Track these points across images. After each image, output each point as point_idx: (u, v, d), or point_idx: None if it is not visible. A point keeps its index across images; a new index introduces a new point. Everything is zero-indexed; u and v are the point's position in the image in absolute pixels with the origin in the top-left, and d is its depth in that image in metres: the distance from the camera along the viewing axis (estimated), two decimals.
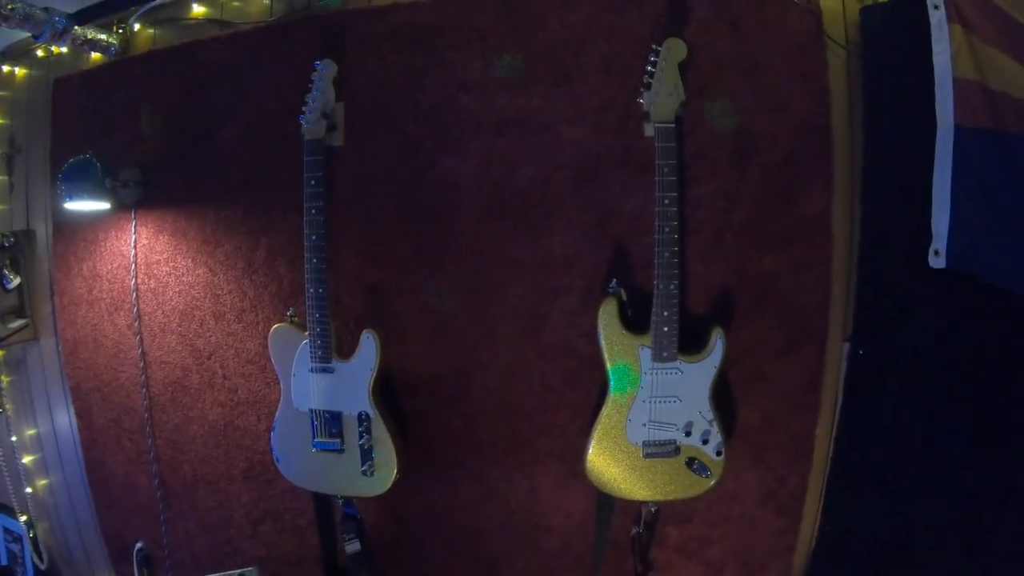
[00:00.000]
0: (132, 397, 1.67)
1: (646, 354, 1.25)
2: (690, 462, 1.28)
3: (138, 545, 1.79)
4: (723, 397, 1.33)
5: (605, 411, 1.26)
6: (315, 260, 1.34)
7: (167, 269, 1.59)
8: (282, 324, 1.40)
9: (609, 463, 1.29)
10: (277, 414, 1.41)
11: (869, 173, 1.35)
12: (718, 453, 1.28)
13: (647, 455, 1.27)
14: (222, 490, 1.63)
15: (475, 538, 1.46)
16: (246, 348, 1.52)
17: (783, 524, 1.44)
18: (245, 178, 1.50)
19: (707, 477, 1.28)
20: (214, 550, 1.68)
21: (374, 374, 1.33)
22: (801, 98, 1.30)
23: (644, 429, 1.27)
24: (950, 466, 1.35)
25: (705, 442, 1.28)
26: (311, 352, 1.36)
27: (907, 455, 1.39)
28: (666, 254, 1.21)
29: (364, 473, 1.36)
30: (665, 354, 1.24)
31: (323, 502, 1.49)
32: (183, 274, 1.57)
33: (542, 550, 1.45)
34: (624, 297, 1.26)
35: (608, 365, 1.25)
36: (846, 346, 1.38)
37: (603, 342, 1.25)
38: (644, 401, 1.26)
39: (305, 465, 1.41)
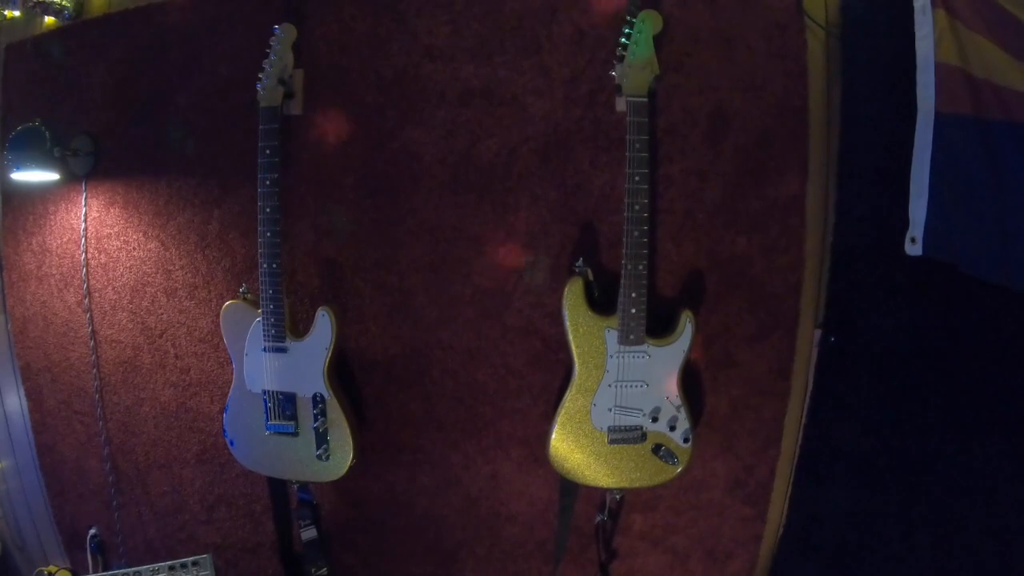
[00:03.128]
0: (83, 378, 1.51)
1: (612, 336, 1.12)
2: (656, 449, 1.16)
3: (91, 531, 1.64)
4: (691, 383, 1.22)
5: (569, 395, 1.14)
6: (269, 233, 1.20)
7: (118, 243, 1.43)
8: (234, 301, 1.25)
9: (573, 449, 1.16)
10: (229, 395, 1.26)
11: (845, 157, 1.23)
12: (685, 440, 1.16)
13: (612, 441, 1.15)
14: (175, 474, 1.48)
15: (435, 524, 1.33)
16: (198, 326, 1.37)
17: (750, 512, 1.33)
18: (199, 148, 1.34)
19: (674, 464, 1.17)
20: (168, 536, 1.53)
21: (329, 354, 1.19)
22: (778, 78, 1.19)
23: (609, 414, 1.14)
24: (920, 457, 1.26)
25: (672, 428, 1.16)
26: (264, 330, 1.21)
27: (877, 445, 1.29)
28: (635, 233, 1.09)
29: (319, 457, 1.22)
30: (632, 337, 1.12)
31: (278, 487, 1.34)
32: (134, 248, 1.41)
33: (504, 537, 1.33)
34: (591, 277, 1.13)
35: (573, 347, 1.13)
36: (817, 333, 1.28)
37: (568, 323, 1.12)
38: (610, 385, 1.13)
39: (258, 449, 1.26)
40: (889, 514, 1.28)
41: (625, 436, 1.14)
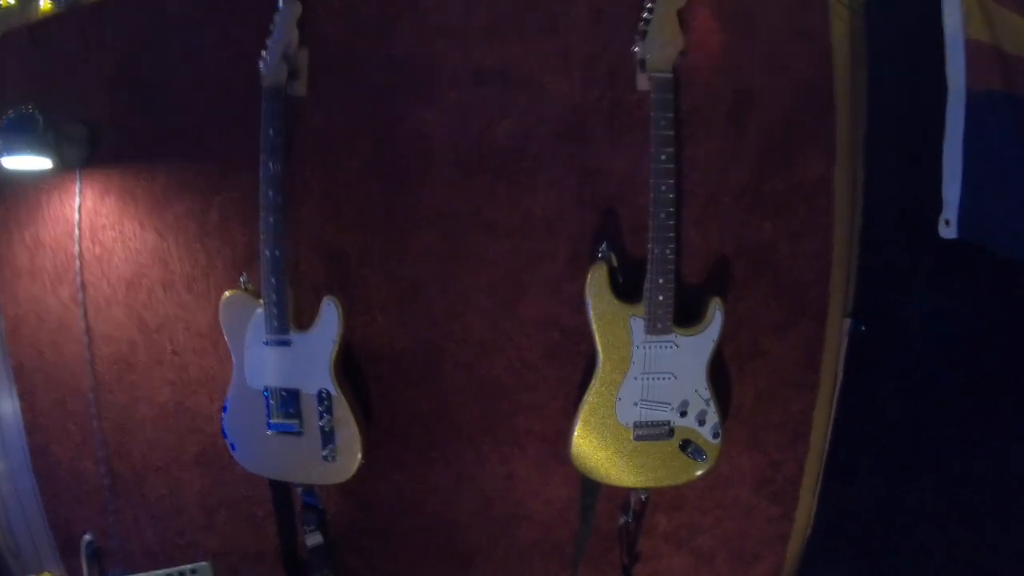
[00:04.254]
0: (77, 376, 1.39)
1: (638, 326, 1.02)
2: (684, 445, 1.05)
3: (86, 537, 1.51)
4: (717, 375, 1.11)
5: (593, 389, 1.03)
6: (271, 219, 1.09)
7: (113, 234, 1.32)
8: (234, 291, 1.14)
9: (596, 446, 1.06)
10: (229, 392, 1.15)
11: (873, 138, 1.14)
12: (715, 435, 1.06)
13: (638, 437, 1.04)
14: (173, 477, 1.36)
15: (447, 527, 1.22)
16: (197, 321, 1.26)
17: (777, 511, 1.23)
18: (198, 133, 1.23)
19: (702, 461, 1.06)
20: (166, 541, 1.41)
21: (336, 347, 1.08)
22: (802, 57, 1.09)
23: (635, 409, 1.04)
24: (956, 450, 1.16)
25: (701, 423, 1.06)
26: (266, 322, 1.10)
27: (910, 438, 1.19)
28: (661, 215, 0.99)
29: (325, 458, 1.11)
30: (659, 325, 1.01)
31: (281, 490, 1.22)
32: (130, 239, 1.30)
33: (520, 539, 1.21)
34: (615, 263, 1.04)
35: (597, 338, 1.02)
36: (847, 322, 1.18)
37: (592, 312, 1.01)
38: (636, 378, 1.03)
39: (260, 449, 1.15)
40: (923, 511, 1.18)
41: (652, 432, 1.04)
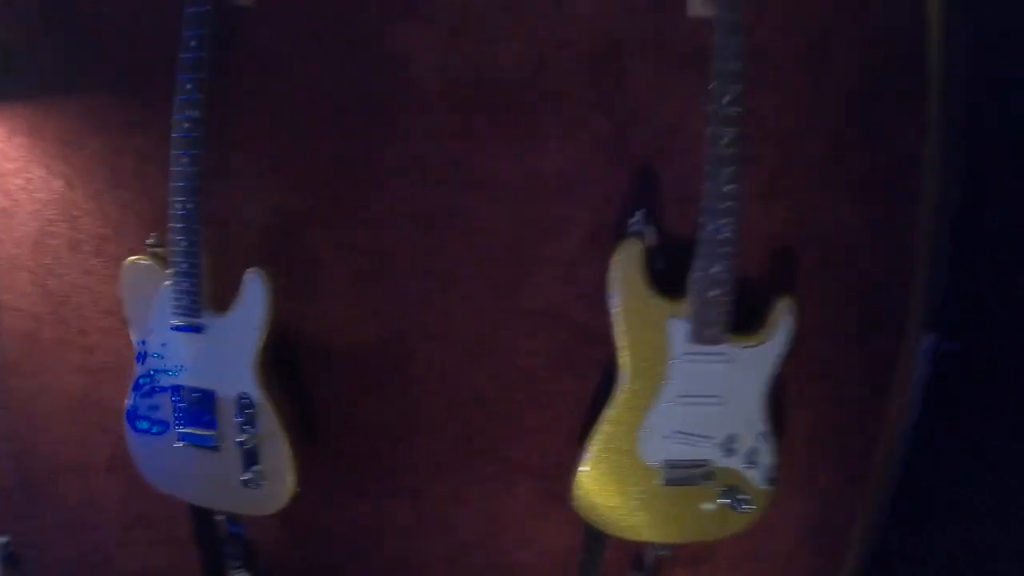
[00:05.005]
0: None
1: (680, 330, 0.68)
2: (729, 493, 0.72)
3: (1, 539, 1.17)
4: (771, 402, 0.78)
5: (611, 412, 0.70)
6: (186, 159, 0.74)
7: (20, 182, 0.96)
8: (139, 257, 0.80)
9: (610, 488, 0.72)
10: (131, 386, 0.82)
11: (976, 119, 0.80)
12: (770, 481, 0.72)
13: (669, 481, 0.71)
14: (88, 482, 1.02)
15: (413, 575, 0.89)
16: (105, 292, 0.91)
17: (822, 565, 0.90)
18: (117, 57, 0.89)
19: (747, 512, 0.73)
20: (83, 556, 1.07)
21: (261, 338, 0.74)
22: (891, 13, 0.75)
23: (666, 443, 0.70)
24: None
25: (751, 464, 0.72)
26: (174, 300, 0.76)
27: (993, 490, 0.86)
28: (722, 178, 0.65)
29: (246, 484, 0.77)
30: (709, 332, 0.67)
31: (201, 513, 0.89)
32: (37, 189, 0.95)
33: None
34: (653, 241, 0.69)
35: (623, 342, 0.69)
36: (930, 338, 0.85)
37: (618, 307, 0.68)
38: (670, 402, 0.69)
39: (168, 463, 0.81)
40: None
41: (687, 475, 0.71)
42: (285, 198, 0.83)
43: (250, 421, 0.77)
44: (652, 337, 0.69)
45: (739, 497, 0.73)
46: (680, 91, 0.75)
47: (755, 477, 0.74)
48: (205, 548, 0.91)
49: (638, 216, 0.69)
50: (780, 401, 0.84)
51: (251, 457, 0.78)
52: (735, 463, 0.73)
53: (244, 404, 0.77)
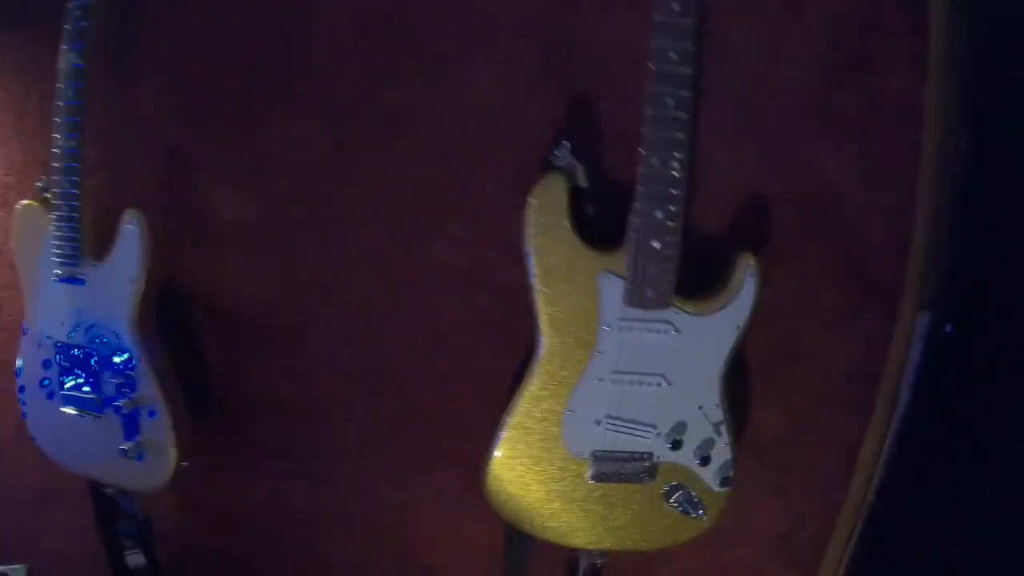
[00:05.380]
0: None
1: (613, 289, 0.54)
2: (672, 493, 0.57)
3: None
4: (732, 385, 0.63)
5: (528, 391, 0.56)
6: (70, 93, 0.62)
7: None
8: (29, 202, 0.68)
9: (529, 480, 0.58)
10: (20, 344, 0.70)
11: (984, 64, 0.64)
12: (723, 481, 0.57)
13: (598, 477, 0.57)
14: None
15: (316, 570, 0.76)
16: (11, 246, 0.80)
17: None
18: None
19: (697, 518, 0.58)
20: None
21: (139, 289, 0.62)
22: None
23: (598, 430, 0.56)
24: None
25: (704, 461, 0.57)
26: (56, 248, 0.64)
27: (989, 494, 0.69)
28: (669, 102, 0.50)
29: (126, 454, 0.65)
30: (651, 294, 0.53)
31: (95, 487, 0.77)
32: None
33: None
34: (583, 181, 0.55)
35: (540, 303, 0.54)
36: (925, 317, 0.68)
37: (534, 255, 0.53)
38: (601, 379, 0.55)
39: (53, 427, 0.69)
40: None
41: (622, 469, 0.56)
42: (180, 138, 0.70)
43: (129, 384, 0.65)
44: (578, 297, 0.54)
45: (688, 500, 0.58)
46: (623, 7, 0.60)
47: (707, 476, 0.59)
48: (103, 525, 0.79)
49: (563, 148, 0.53)
50: (747, 388, 0.69)
51: (131, 425, 0.65)
52: (683, 458, 0.58)
53: (122, 364, 0.65)
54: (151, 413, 0.65)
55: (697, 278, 0.58)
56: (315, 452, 0.72)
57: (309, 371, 0.70)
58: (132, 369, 0.65)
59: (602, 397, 0.55)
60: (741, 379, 0.67)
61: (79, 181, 0.65)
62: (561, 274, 0.53)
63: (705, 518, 0.60)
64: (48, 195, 0.70)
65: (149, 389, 0.65)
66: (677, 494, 0.60)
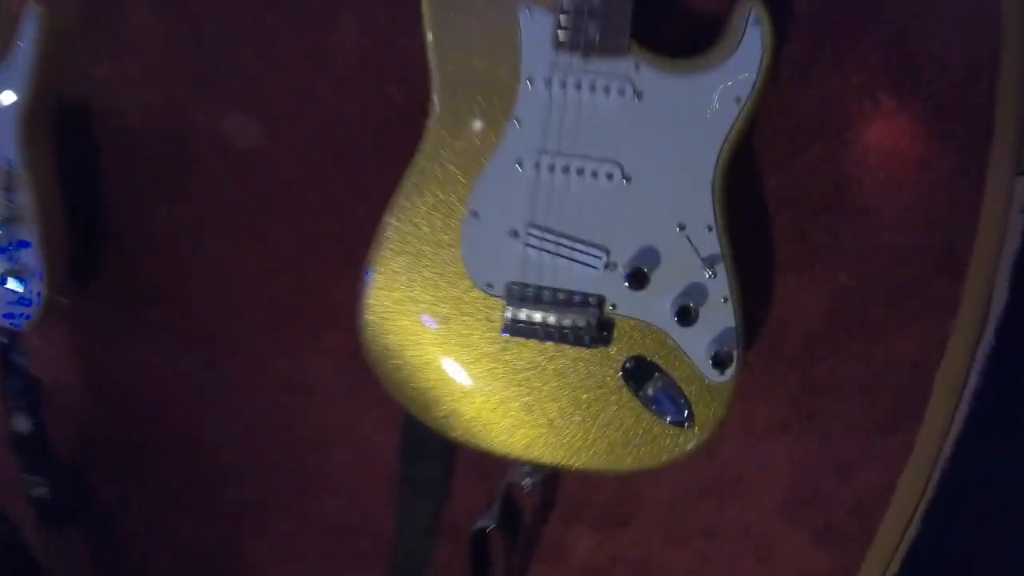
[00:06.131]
0: None
1: (540, 27, 0.33)
2: (639, 375, 0.33)
3: None
4: (750, 248, 0.36)
5: (411, 175, 0.34)
6: None
7: None
8: None
9: (416, 333, 0.35)
10: None
11: None
12: (719, 362, 0.32)
13: (514, 328, 0.33)
14: None
15: (203, 453, 0.56)
16: None
17: (824, 562, 0.46)
18: None
19: (679, 423, 0.33)
20: None
21: (30, 90, 0.49)
22: None
23: (515, 246, 0.33)
24: None
25: (686, 318, 0.32)
26: None
27: None
28: None
29: None
30: (596, 32, 0.32)
31: None
32: None
33: (315, 515, 0.54)
34: None
35: (431, 47, 0.32)
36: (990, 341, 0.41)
37: None
38: (521, 162, 0.33)
39: None
40: None
41: (553, 318, 0.33)
42: None
43: (8, 191, 0.53)
44: (488, 37, 0.32)
45: (666, 391, 0.34)
46: None
47: (694, 350, 0.34)
48: None
49: None
50: (769, 258, 0.44)
51: (9, 239, 0.52)
52: (653, 310, 0.33)
53: (4, 171, 0.53)
54: (28, 226, 0.52)
55: (674, 16, 0.35)
56: (195, 303, 0.52)
57: (192, 191, 0.50)
58: (10, 175, 0.53)
59: (522, 193, 0.32)
60: (761, 234, 0.43)
61: None
62: (463, 9, 0.33)
63: (695, 430, 0.35)
64: None
65: (28, 199, 0.53)
66: (648, 381, 0.35)
